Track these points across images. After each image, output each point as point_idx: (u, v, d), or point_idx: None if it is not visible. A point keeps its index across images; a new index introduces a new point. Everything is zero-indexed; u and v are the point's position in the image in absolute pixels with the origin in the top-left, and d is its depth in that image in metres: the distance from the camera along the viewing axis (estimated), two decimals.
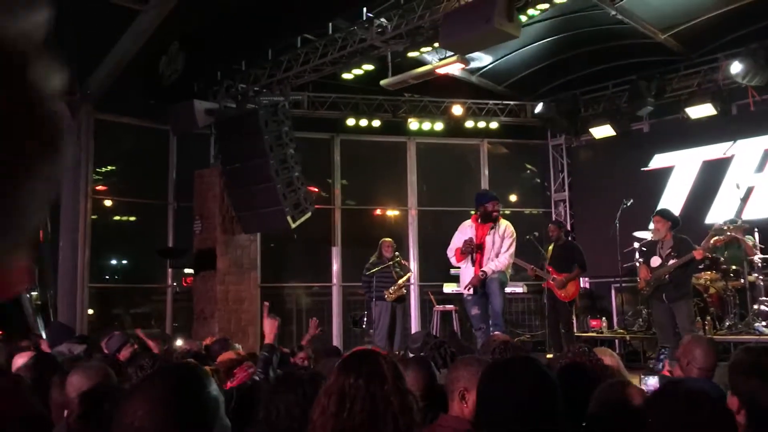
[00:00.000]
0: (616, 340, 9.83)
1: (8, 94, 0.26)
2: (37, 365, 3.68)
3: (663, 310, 7.62)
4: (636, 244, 9.36)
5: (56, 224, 10.64)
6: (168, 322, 11.41)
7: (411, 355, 4.92)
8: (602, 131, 11.27)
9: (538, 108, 11.52)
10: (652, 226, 8.14)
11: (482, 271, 7.18)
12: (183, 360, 4.60)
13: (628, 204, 9.68)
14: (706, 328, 8.20)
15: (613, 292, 11.02)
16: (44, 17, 0.28)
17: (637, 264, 8.83)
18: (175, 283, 11.68)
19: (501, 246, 7.15)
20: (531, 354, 3.95)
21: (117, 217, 12.10)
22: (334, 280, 11.85)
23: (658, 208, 9.01)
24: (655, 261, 7.73)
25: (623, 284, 10.06)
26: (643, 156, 11.19)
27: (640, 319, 9.69)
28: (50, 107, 0.26)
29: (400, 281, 9.34)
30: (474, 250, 7.18)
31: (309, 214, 10.14)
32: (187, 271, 11.70)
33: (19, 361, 3.91)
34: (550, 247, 9.03)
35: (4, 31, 0.27)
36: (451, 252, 7.47)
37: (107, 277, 12.12)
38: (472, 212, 7.72)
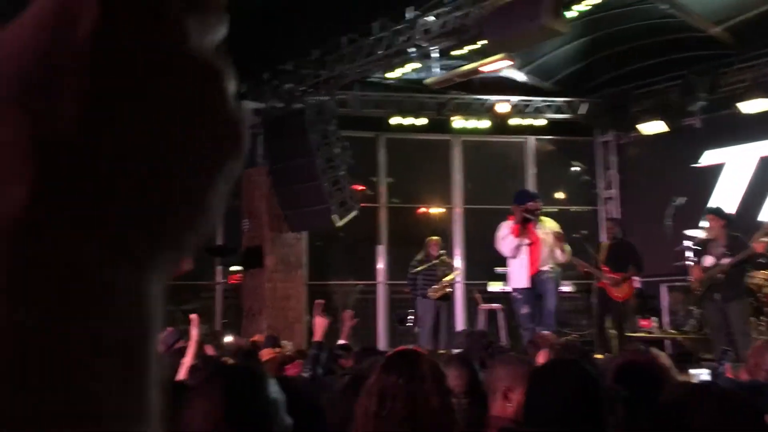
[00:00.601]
0: (667, 341, 9.63)
1: (209, 105, 0.29)
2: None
3: (716, 310, 7.45)
4: (687, 243, 9.16)
5: None
6: (217, 319, 11.62)
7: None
8: (652, 127, 11.04)
9: (583, 110, 11.40)
10: (704, 224, 7.96)
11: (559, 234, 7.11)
12: (233, 356, 4.69)
13: (679, 202, 9.47)
14: (761, 328, 7.98)
15: (663, 291, 10.80)
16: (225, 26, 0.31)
17: (689, 263, 8.64)
18: (223, 281, 11.89)
19: (554, 237, 7.10)
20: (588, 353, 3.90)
21: None
22: (380, 279, 11.89)
23: (710, 205, 8.81)
24: (708, 260, 7.56)
25: (675, 283, 9.85)
26: (693, 152, 10.94)
27: (692, 320, 9.47)
28: (235, 107, 0.29)
29: (445, 280, 9.32)
30: (531, 218, 7.11)
31: (354, 213, 10.21)
32: (233, 268, 11.89)
33: None
34: (604, 245, 8.87)
35: (201, 46, 0.29)
36: (502, 237, 7.37)
37: None
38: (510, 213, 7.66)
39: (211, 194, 0.29)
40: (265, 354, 4.86)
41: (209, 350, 5.07)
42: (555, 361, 2.87)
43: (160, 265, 0.28)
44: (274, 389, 1.43)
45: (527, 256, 7.19)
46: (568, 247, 7.40)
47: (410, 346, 2.25)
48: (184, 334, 5.93)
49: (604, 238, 11.70)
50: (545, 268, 7.06)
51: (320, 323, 3.88)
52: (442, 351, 7.58)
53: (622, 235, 9.23)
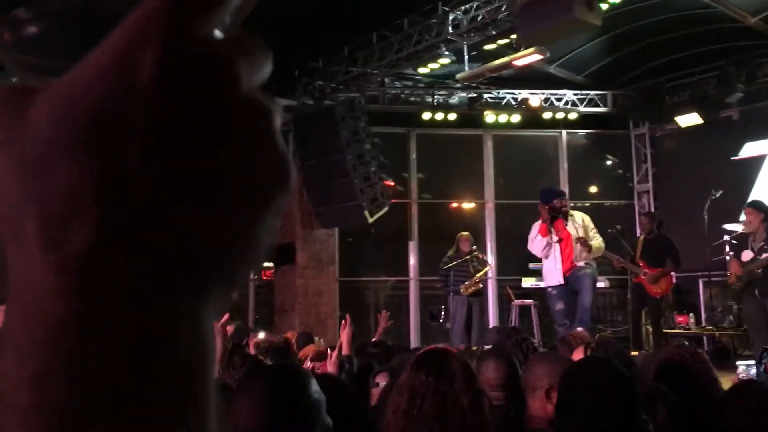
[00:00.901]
0: (704, 337, 9.46)
1: (262, 144, 0.31)
2: None
3: (755, 305, 7.29)
4: (726, 237, 8.98)
5: None
6: (250, 315, 11.72)
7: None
8: (688, 119, 10.85)
9: (617, 102, 11.26)
10: (743, 218, 7.80)
11: (582, 239, 7.04)
12: (265, 354, 4.72)
13: (717, 195, 9.29)
14: None
15: (701, 286, 10.61)
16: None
17: (727, 258, 8.47)
18: (255, 277, 11.99)
19: (587, 232, 7.01)
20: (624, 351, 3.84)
21: None
22: (411, 275, 11.88)
23: (750, 199, 8.62)
24: (747, 255, 7.40)
25: (712, 278, 9.66)
26: (732, 145, 10.72)
27: (731, 316, 9.30)
28: (282, 144, 0.30)
29: (477, 276, 9.27)
30: (557, 216, 7.04)
31: (386, 209, 10.22)
32: (266, 264, 11.98)
33: None
34: (640, 240, 8.73)
35: (251, 85, 0.31)
36: (531, 238, 7.32)
37: None
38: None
39: (263, 230, 0.31)
40: (308, 351, 4.89)
41: (251, 349, 5.10)
42: (588, 359, 2.83)
43: (214, 298, 0.30)
44: (315, 389, 1.43)
45: (559, 253, 7.11)
46: (597, 243, 7.26)
47: (441, 345, 2.24)
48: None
49: (638, 233, 11.57)
50: (581, 263, 6.96)
51: (348, 337, 3.99)
52: (474, 348, 7.55)
53: (658, 230, 9.09)
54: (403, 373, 1.96)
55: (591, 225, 7.12)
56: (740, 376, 2.65)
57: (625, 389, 2.05)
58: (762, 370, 4.03)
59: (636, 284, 8.68)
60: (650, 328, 8.83)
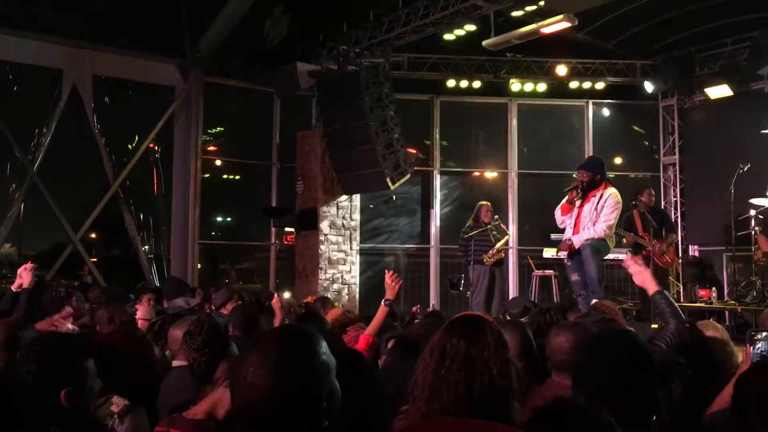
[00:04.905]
0: (726, 312, 9.39)
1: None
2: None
3: None
4: (752, 212, 8.86)
5: (169, 182, 11.21)
6: (271, 279, 11.85)
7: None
8: (718, 91, 10.64)
9: (648, 88, 11.06)
10: None
11: (569, 238, 6.99)
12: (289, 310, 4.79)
13: (745, 169, 9.14)
14: None
15: (724, 261, 10.50)
16: None
17: (753, 233, 8.38)
18: (277, 241, 12.09)
19: (599, 215, 6.87)
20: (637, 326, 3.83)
21: (224, 176, 12.59)
22: (432, 242, 11.90)
23: None
24: None
25: (736, 253, 9.55)
26: (762, 118, 10.49)
27: (754, 291, 9.21)
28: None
29: (498, 245, 9.26)
30: (577, 197, 6.92)
31: (408, 176, 10.19)
32: (288, 229, 12.07)
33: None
34: (636, 215, 8.64)
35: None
36: (557, 210, 7.25)
37: (213, 233, 12.67)
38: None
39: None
40: (331, 315, 4.95)
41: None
42: (607, 331, 2.83)
43: None
44: (324, 351, 1.46)
45: (572, 228, 7.05)
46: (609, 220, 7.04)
47: (477, 312, 2.28)
48: (236, 293, 6.08)
49: (663, 205, 11.45)
50: (585, 235, 6.88)
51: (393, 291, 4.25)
52: (497, 316, 7.56)
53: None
54: (436, 335, 1.99)
55: (609, 204, 6.89)
56: (759, 350, 2.63)
57: (643, 362, 2.05)
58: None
59: (644, 257, 8.61)
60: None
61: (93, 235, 11.68)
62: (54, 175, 10.34)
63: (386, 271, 4.33)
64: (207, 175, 11.53)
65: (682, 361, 2.58)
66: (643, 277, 3.49)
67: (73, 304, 4.56)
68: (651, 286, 3.43)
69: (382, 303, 4.15)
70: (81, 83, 10.27)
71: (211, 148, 11.97)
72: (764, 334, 2.75)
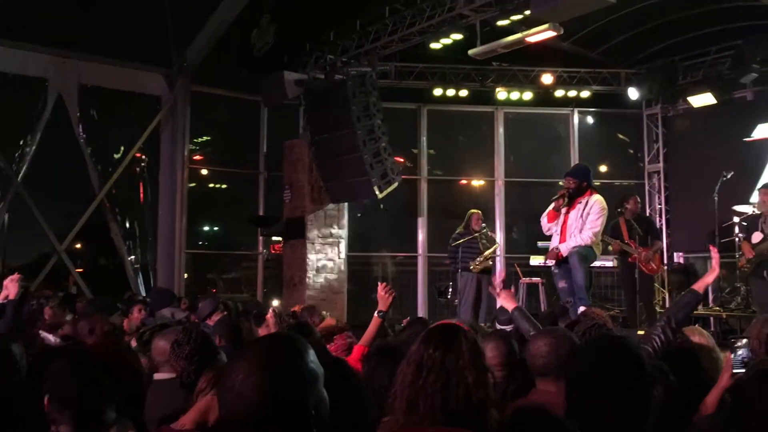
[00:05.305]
0: (711, 318, 9.46)
1: None
2: None
3: (765, 287, 7.30)
4: (735, 219, 8.95)
5: (155, 191, 11.15)
6: (259, 288, 11.81)
7: (498, 326, 4.91)
8: (702, 99, 10.74)
9: (633, 95, 11.14)
10: (757, 198, 7.76)
11: (556, 246, 7.01)
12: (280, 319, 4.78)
13: (728, 176, 9.23)
14: None
15: (708, 266, 10.57)
16: None
17: (737, 239, 8.45)
18: (264, 250, 12.05)
19: (585, 222, 6.91)
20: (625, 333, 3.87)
21: (211, 185, 12.55)
22: (420, 251, 11.91)
23: (763, 180, 8.57)
24: (757, 236, 7.39)
25: (721, 260, 9.60)
26: (745, 126, 10.61)
27: (738, 297, 9.28)
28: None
29: (486, 253, 9.29)
30: (563, 204, 6.95)
31: (395, 185, 10.21)
32: (275, 238, 12.05)
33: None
34: (621, 222, 8.69)
35: None
36: (544, 217, 7.27)
37: (200, 243, 12.62)
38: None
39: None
40: (326, 324, 4.95)
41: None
42: (600, 337, 2.84)
43: None
44: (312, 359, 1.46)
45: (558, 235, 7.08)
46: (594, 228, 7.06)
47: (454, 321, 2.29)
48: (222, 303, 6.07)
49: (648, 213, 11.53)
50: (571, 243, 6.91)
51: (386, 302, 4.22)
52: (483, 324, 7.58)
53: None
54: (413, 345, 2.00)
55: (594, 211, 6.93)
56: (739, 357, 2.69)
57: (636, 367, 2.05)
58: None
59: (631, 264, 8.67)
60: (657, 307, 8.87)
61: (78, 246, 11.60)
62: (39, 185, 10.28)
63: (379, 283, 4.31)
64: (194, 185, 11.50)
65: (665, 367, 2.59)
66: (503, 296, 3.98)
67: (47, 315, 4.53)
68: (509, 305, 3.88)
69: (375, 314, 4.14)
70: (66, 93, 10.22)
71: (198, 157, 11.94)
72: (744, 341, 2.79)
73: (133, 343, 4.01)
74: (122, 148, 10.91)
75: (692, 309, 3.45)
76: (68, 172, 11.24)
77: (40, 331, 4.22)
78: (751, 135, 10.57)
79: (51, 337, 4.24)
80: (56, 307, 4.83)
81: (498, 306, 4.74)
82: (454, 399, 1.85)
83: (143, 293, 10.18)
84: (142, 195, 11.16)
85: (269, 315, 4.60)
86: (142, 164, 11.24)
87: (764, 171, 10.16)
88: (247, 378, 1.38)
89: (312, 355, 1.47)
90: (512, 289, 4.10)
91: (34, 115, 10.05)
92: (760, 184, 8.08)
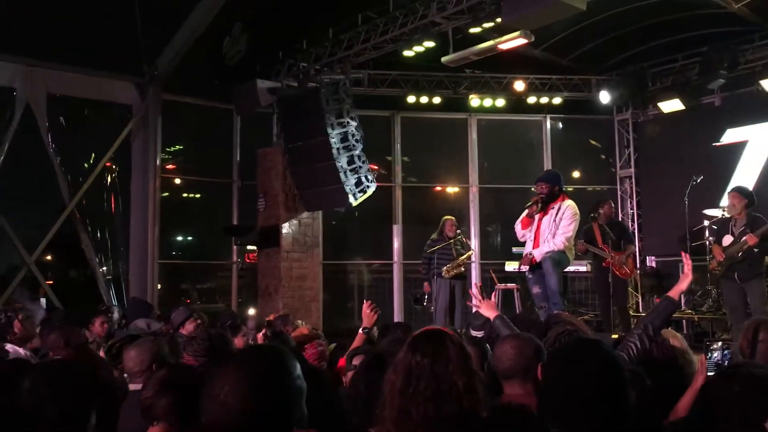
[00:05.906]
0: (684, 321, 9.58)
1: None
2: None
3: (735, 290, 7.40)
4: (706, 222, 9.08)
5: (127, 201, 11.00)
6: (233, 298, 11.70)
7: (473, 332, 4.92)
8: (671, 105, 10.92)
9: (605, 98, 11.25)
10: (726, 202, 7.88)
11: (530, 252, 7.06)
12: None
13: (698, 180, 9.37)
14: None
15: (680, 270, 10.69)
16: None
17: (707, 243, 8.57)
18: (239, 260, 11.95)
19: (557, 227, 6.96)
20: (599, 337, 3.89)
21: (184, 194, 12.42)
22: (395, 258, 11.90)
23: (732, 184, 8.70)
24: (727, 239, 7.49)
25: (692, 263, 9.73)
26: (714, 131, 10.79)
27: (710, 300, 9.42)
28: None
29: (460, 259, 9.32)
30: (537, 210, 7.00)
31: (370, 192, 10.20)
32: (250, 247, 11.94)
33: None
34: (595, 227, 8.77)
35: None
36: (518, 224, 7.31)
37: (174, 253, 12.47)
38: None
39: None
40: (299, 332, 4.92)
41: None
42: (575, 341, 2.85)
43: None
44: (299, 374, 1.44)
45: (532, 241, 7.13)
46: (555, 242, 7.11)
47: (438, 326, 2.28)
48: (195, 312, 5.99)
49: (620, 217, 11.65)
50: (545, 248, 6.96)
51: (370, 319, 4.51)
52: (459, 330, 7.60)
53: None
54: (400, 352, 1.97)
55: (566, 216, 6.99)
56: (713, 359, 2.71)
57: (613, 370, 2.04)
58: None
59: (604, 268, 8.76)
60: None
61: (49, 257, 11.39)
62: (7, 195, 10.08)
63: (365, 301, 4.59)
64: (166, 194, 11.36)
65: (641, 371, 2.60)
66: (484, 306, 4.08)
67: (16, 329, 4.44)
68: (490, 314, 4.00)
69: (360, 331, 4.37)
70: (35, 102, 10.03)
71: (170, 166, 11.81)
72: (719, 344, 2.82)
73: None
74: (93, 157, 10.75)
75: (669, 316, 3.50)
76: (37, 183, 11.03)
77: (8, 345, 4.13)
78: (720, 140, 10.75)
79: (21, 351, 4.14)
80: (25, 320, 4.73)
81: (473, 311, 4.77)
82: (446, 406, 1.83)
83: (115, 304, 10.01)
84: (113, 205, 10.99)
85: (260, 335, 4.65)
86: (113, 174, 11.08)
87: (733, 175, 10.33)
88: (235, 389, 1.36)
89: (298, 369, 1.45)
90: (492, 300, 4.14)
91: (2, 126, 9.86)
92: (729, 188, 8.19)
